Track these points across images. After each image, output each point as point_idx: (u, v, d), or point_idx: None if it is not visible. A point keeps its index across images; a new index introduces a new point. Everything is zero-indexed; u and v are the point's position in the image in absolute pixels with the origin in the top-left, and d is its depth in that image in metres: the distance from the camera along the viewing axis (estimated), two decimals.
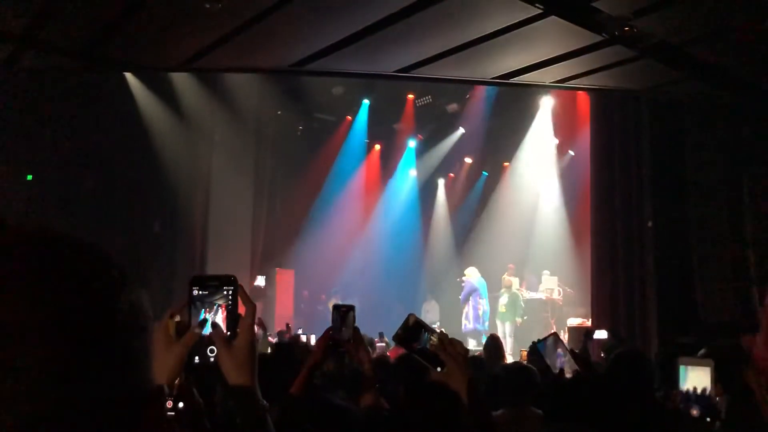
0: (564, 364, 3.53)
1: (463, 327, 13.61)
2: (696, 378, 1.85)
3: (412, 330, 2.17)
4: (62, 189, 12.08)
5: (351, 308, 2.41)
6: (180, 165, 13.76)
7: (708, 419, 1.78)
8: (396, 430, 2.10)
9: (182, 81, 13.22)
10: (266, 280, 15.60)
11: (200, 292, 1.38)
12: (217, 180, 14.58)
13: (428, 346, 2.14)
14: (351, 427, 2.36)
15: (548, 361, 3.59)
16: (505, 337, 12.95)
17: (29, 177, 12.36)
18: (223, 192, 14.53)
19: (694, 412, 1.79)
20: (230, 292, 1.39)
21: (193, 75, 12.90)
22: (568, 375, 3.22)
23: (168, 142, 13.37)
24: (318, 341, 2.50)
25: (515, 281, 14.20)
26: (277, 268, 15.98)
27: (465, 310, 13.69)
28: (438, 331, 2.25)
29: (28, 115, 10.77)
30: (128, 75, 12.49)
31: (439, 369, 2.09)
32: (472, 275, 13.89)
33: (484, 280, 13.99)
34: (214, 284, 1.39)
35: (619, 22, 6.58)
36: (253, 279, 15.33)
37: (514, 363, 6.39)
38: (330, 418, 2.48)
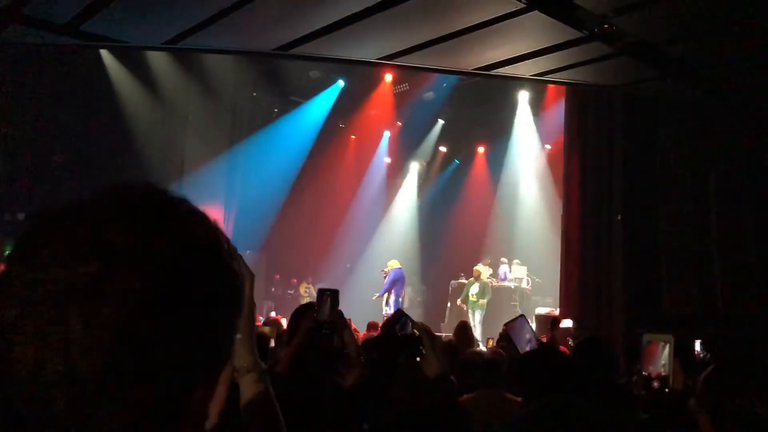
0: (531, 346, 3.68)
1: (383, 313, 13.64)
2: (657, 352, 1.96)
3: (397, 318, 2.35)
4: (31, 162, 11.91)
5: (335, 292, 2.52)
6: (154, 143, 13.64)
7: (666, 390, 1.88)
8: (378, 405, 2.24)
9: (157, 59, 13.08)
10: None
11: None
12: (190, 159, 14.49)
13: (411, 332, 2.31)
14: (337, 402, 2.45)
15: (515, 342, 3.73)
16: (474, 325, 13.18)
17: None
18: (197, 172, 14.44)
19: (655, 384, 1.89)
20: None
21: (168, 54, 12.76)
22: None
23: (142, 120, 13.25)
24: (302, 322, 2.59)
25: (485, 270, 14.42)
26: (247, 251, 15.95)
27: (386, 298, 13.79)
28: (420, 324, 2.41)
29: (3, 89, 10.57)
30: (103, 51, 12.33)
31: (418, 359, 2.25)
32: (394, 265, 14.05)
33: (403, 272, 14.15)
34: None
35: (599, 20, 6.73)
36: None
37: (487, 350, 6.56)
38: (316, 394, 2.56)
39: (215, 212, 15.15)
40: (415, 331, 2.27)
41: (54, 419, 0.61)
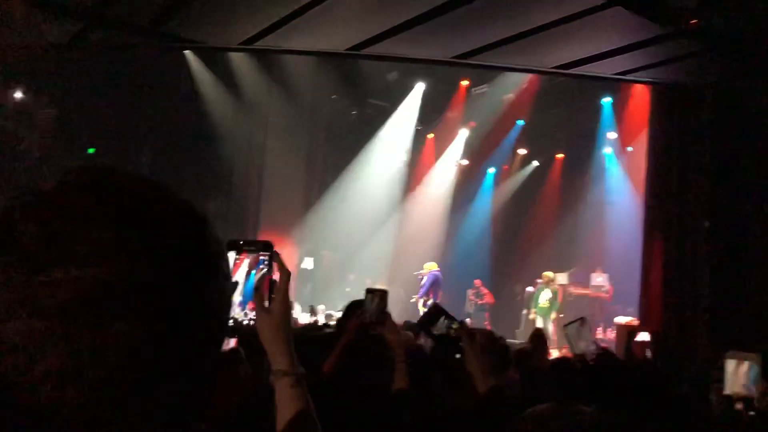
0: (589, 350, 3.50)
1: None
2: (742, 373, 1.82)
3: (433, 316, 2.25)
4: (121, 163, 12.42)
5: (384, 292, 2.44)
6: (235, 144, 14.03)
7: (751, 413, 1.76)
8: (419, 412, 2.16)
9: (240, 61, 13.43)
10: (314, 262, 15.78)
11: (235, 257, 1.39)
12: (270, 161, 14.79)
13: (448, 333, 2.22)
14: (380, 408, 2.38)
15: (573, 344, 3.55)
16: (548, 334, 12.85)
17: (91, 150, 12.77)
18: (276, 173, 14.74)
19: (738, 406, 1.77)
20: (266, 259, 1.40)
21: (251, 56, 13.09)
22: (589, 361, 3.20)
23: (224, 120, 13.64)
24: (350, 323, 2.54)
25: (560, 277, 14.06)
26: (324, 251, 16.14)
27: (424, 300, 13.63)
28: (460, 320, 2.31)
29: (91, 90, 11.09)
30: (188, 53, 12.75)
31: (457, 356, 2.16)
32: (431, 268, 13.82)
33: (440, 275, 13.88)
34: (251, 249, 1.40)
35: (684, 15, 6.41)
36: (302, 260, 15.52)
37: (561, 357, 6.35)
38: (359, 398, 2.50)
39: (295, 213, 15.44)
40: (452, 328, 2.17)
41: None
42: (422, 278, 13.73)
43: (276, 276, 1.40)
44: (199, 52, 12.39)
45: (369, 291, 2.46)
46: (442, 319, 2.28)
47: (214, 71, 13.27)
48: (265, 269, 1.39)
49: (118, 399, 0.60)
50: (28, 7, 6.54)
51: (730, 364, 1.72)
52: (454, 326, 2.25)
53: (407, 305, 13.72)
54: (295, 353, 1.38)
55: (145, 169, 13.07)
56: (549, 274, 13.58)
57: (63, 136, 10.91)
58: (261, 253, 1.40)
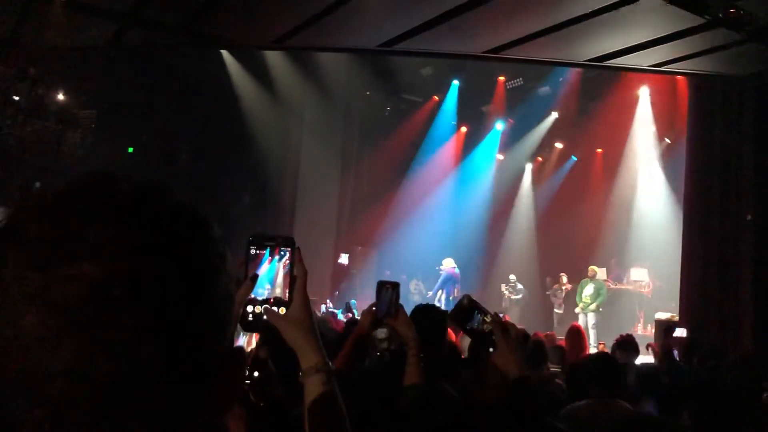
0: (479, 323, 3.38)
1: None
2: None
3: (466, 310, 2.17)
4: (159, 161, 12.64)
5: (396, 285, 2.35)
6: (271, 141, 14.15)
7: None
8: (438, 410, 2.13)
9: (275, 60, 13.55)
10: (349, 257, 15.83)
11: (257, 252, 1.39)
12: (305, 158, 14.90)
13: (482, 327, 2.15)
14: (393, 403, 2.35)
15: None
16: (587, 328, 12.69)
17: (130, 150, 13.03)
18: (311, 169, 14.84)
19: None
20: (287, 254, 1.39)
21: (286, 54, 13.19)
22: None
23: (260, 119, 13.78)
24: (362, 317, 2.48)
25: (601, 271, 13.84)
26: (359, 246, 16.19)
27: (438, 296, 13.70)
28: (492, 312, 2.24)
29: (130, 91, 11.29)
30: (224, 53, 12.92)
31: (491, 350, 2.10)
32: (448, 265, 13.98)
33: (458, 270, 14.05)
34: (272, 245, 1.39)
35: (723, 4, 6.24)
36: (337, 256, 15.59)
37: (600, 353, 6.25)
38: (372, 393, 2.47)
39: (330, 209, 15.52)
40: (486, 320, 2.12)
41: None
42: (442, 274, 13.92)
43: (296, 272, 1.38)
44: (235, 52, 12.53)
45: (381, 283, 2.37)
46: (475, 313, 2.22)
47: (250, 71, 13.41)
48: (288, 265, 1.38)
49: (128, 394, 0.61)
50: (65, 10, 6.69)
51: None
52: (487, 319, 2.18)
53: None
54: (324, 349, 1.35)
55: (182, 168, 13.28)
56: (594, 268, 13.42)
57: (103, 137, 11.13)
58: (282, 249, 1.39)
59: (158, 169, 12.38)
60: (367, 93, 15.91)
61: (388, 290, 2.33)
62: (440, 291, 13.88)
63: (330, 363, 1.36)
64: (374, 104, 16.30)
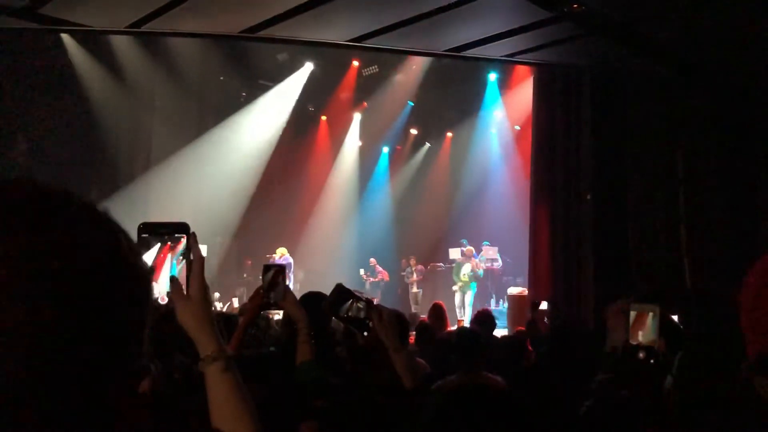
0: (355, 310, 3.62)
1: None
2: (640, 323, 1.89)
3: (340, 298, 2.27)
4: None
5: (280, 267, 2.37)
6: (120, 130, 13.40)
7: (651, 361, 1.81)
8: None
9: (121, 44, 12.79)
10: (208, 249, 15.36)
11: (150, 240, 1.33)
12: (158, 146, 14.25)
13: (357, 314, 2.26)
14: (285, 380, 2.38)
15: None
16: (464, 306, 13.38)
17: None
18: (166, 159, 14.22)
19: (641, 354, 1.83)
20: (183, 241, 1.33)
21: (134, 39, 12.49)
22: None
23: (107, 106, 12.97)
24: (250, 300, 2.50)
25: (453, 252, 14.66)
26: (218, 238, 15.77)
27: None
28: (365, 299, 2.33)
29: None
30: (64, 36, 11.99)
31: (365, 333, 2.22)
32: (284, 254, 14.46)
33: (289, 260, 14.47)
34: (165, 232, 1.34)
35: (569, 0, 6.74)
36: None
37: (462, 328, 6.56)
38: (262, 372, 2.49)
39: (186, 200, 14.96)
40: (359, 306, 2.23)
41: None
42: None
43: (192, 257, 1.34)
44: (78, 36, 11.66)
45: (266, 267, 2.37)
46: (349, 300, 2.29)
47: (93, 53, 12.56)
48: (183, 253, 1.32)
49: (28, 387, 0.62)
50: None
51: (632, 316, 1.84)
52: (360, 306, 2.27)
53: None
54: (220, 336, 1.33)
55: (19, 160, 12.25)
56: (470, 247, 14.12)
57: None
58: (176, 235, 1.33)
59: None
60: (221, 78, 15.46)
61: (273, 274, 2.32)
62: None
63: (227, 349, 1.34)
64: (229, 90, 15.87)
